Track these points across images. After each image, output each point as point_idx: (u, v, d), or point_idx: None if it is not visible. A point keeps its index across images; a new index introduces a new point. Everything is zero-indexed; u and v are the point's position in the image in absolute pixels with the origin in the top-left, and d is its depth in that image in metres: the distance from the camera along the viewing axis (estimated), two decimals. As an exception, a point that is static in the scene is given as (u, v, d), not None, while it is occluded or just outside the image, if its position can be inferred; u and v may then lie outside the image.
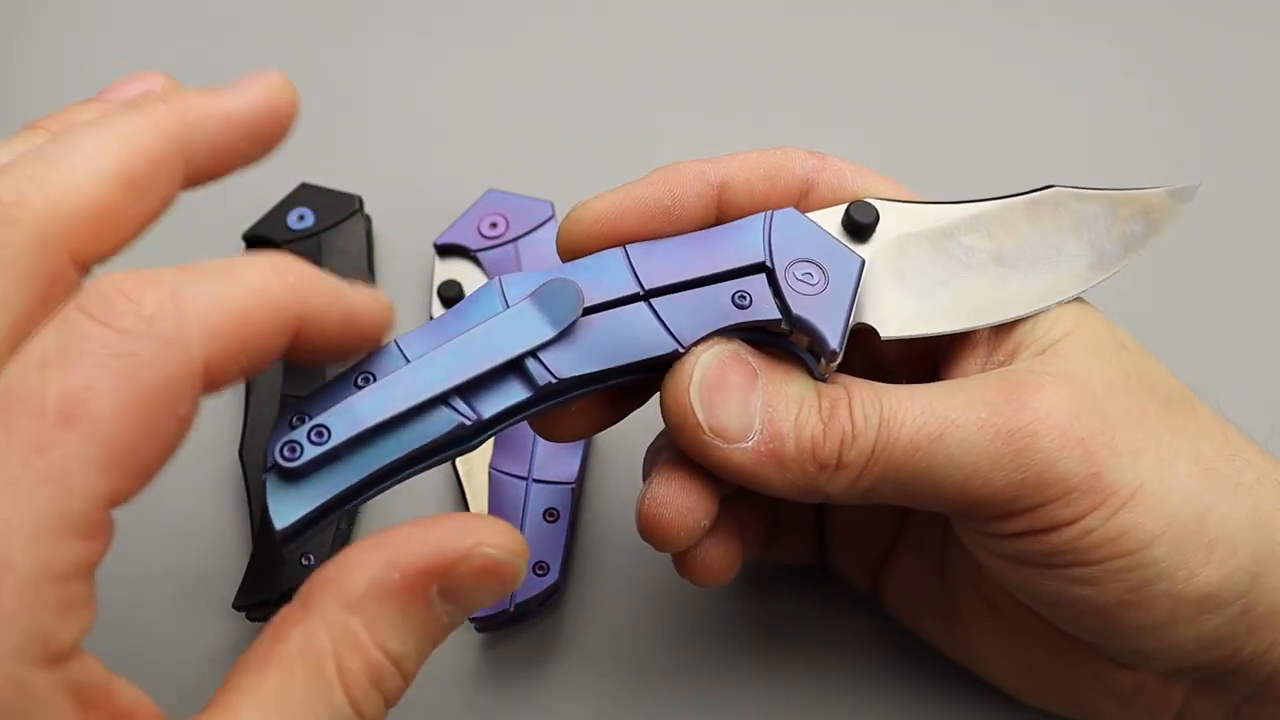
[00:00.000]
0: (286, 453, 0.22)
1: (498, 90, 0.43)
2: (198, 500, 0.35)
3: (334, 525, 0.33)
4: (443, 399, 0.22)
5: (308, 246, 0.37)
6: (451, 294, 0.36)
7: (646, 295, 0.24)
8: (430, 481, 0.35)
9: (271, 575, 0.32)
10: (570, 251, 0.25)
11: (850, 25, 0.44)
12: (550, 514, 0.33)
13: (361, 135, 0.42)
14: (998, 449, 0.23)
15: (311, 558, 0.32)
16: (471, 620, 0.31)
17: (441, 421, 0.22)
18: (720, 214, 0.26)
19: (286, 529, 0.22)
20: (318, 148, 0.42)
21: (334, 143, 0.42)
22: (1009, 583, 0.25)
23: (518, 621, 0.33)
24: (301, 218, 0.37)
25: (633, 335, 0.24)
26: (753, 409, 0.23)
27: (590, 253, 0.25)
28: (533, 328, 0.23)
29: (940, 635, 0.30)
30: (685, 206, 0.25)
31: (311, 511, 0.22)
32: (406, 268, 0.39)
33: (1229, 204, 0.40)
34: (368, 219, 0.39)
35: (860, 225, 0.25)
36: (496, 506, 0.33)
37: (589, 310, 0.24)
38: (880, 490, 0.24)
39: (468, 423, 0.22)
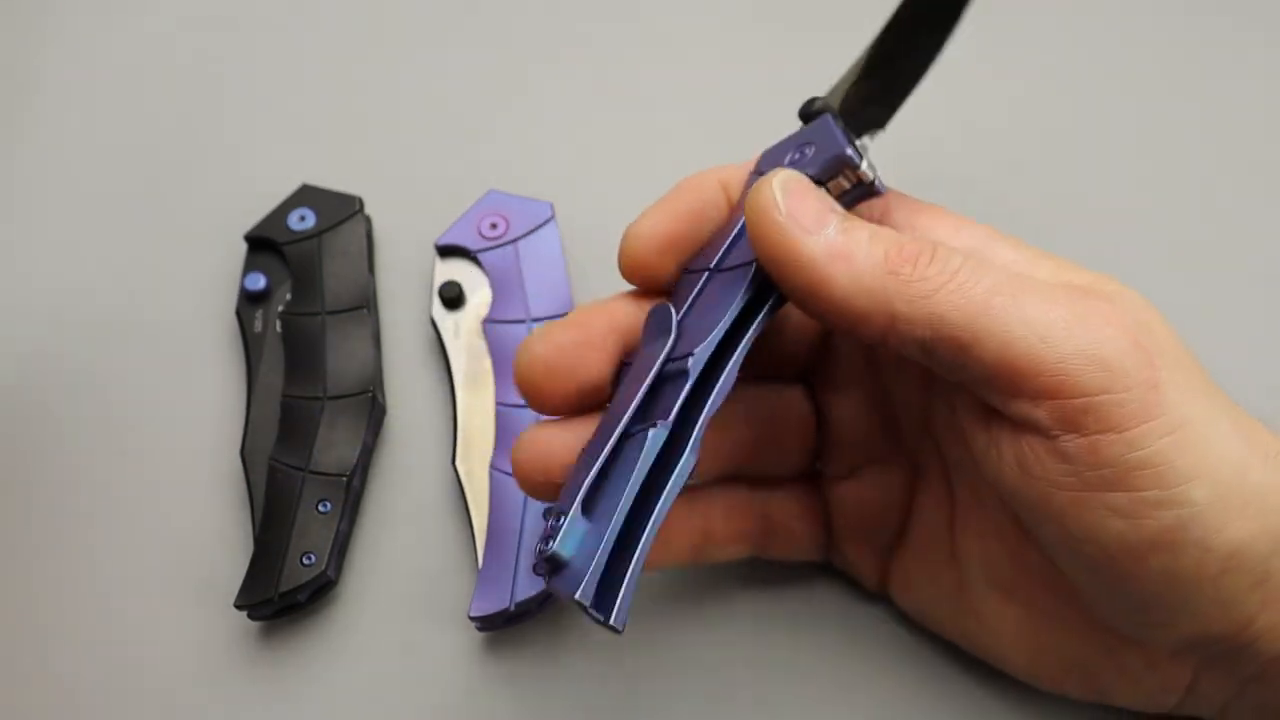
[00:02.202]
0: (541, 544, 0.23)
1: (498, 90, 0.43)
2: (199, 500, 0.35)
3: (335, 525, 0.33)
4: (627, 433, 0.24)
5: (308, 247, 0.37)
6: (452, 294, 0.36)
7: (713, 269, 0.26)
8: (431, 482, 0.35)
9: (273, 575, 0.32)
10: (634, 269, 0.27)
11: (851, 23, 0.44)
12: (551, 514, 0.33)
13: (362, 136, 0.42)
14: (1072, 322, 0.23)
15: (313, 556, 0.33)
16: (472, 620, 0.31)
17: (641, 442, 0.24)
18: (732, 209, 0.28)
19: (619, 621, 0.22)
20: (318, 149, 0.42)
21: (334, 144, 0.42)
22: (1039, 513, 0.25)
23: (517, 621, 0.33)
24: (302, 218, 0.38)
25: (723, 291, 0.25)
26: (829, 217, 0.24)
27: (651, 269, 0.27)
28: (655, 347, 0.25)
29: (952, 625, 0.30)
30: (712, 204, 0.28)
31: (623, 586, 0.22)
32: (407, 268, 0.39)
33: (1226, 198, 0.40)
34: (368, 220, 0.39)
35: (808, 114, 0.28)
36: (497, 506, 0.33)
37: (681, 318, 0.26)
38: (949, 324, 0.23)
39: (659, 426, 0.24)
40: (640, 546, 0.23)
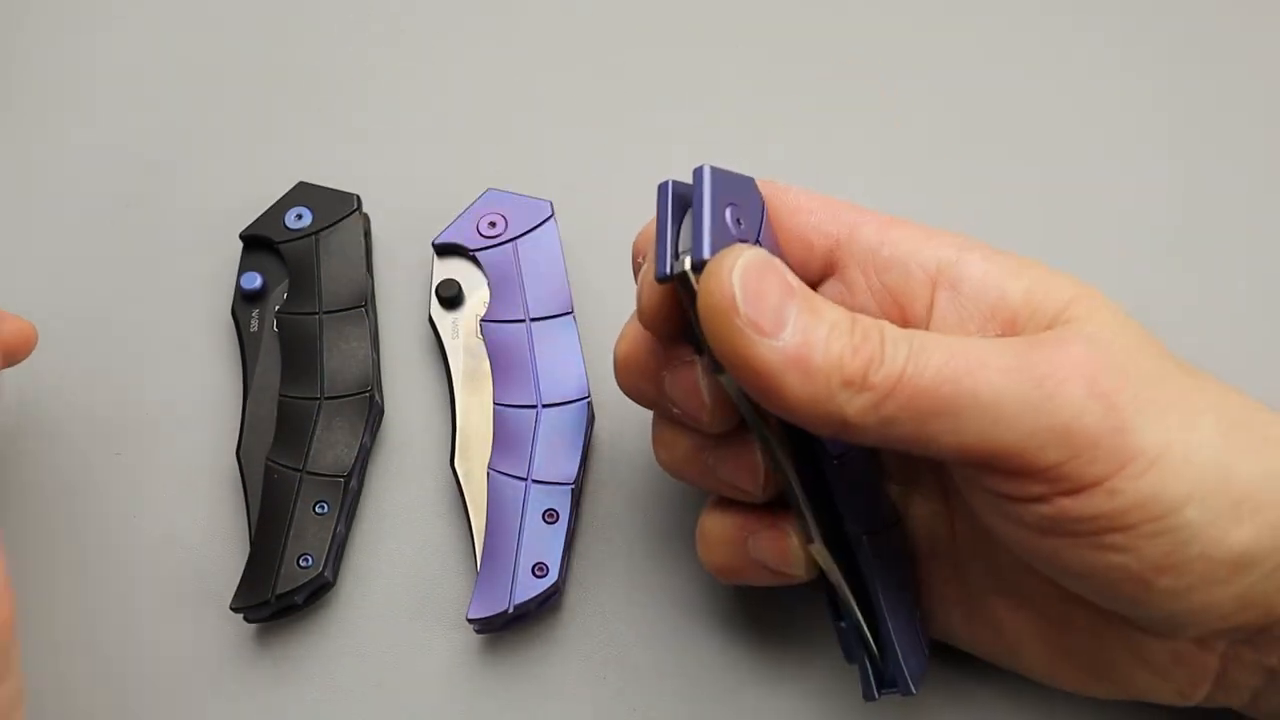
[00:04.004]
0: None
1: (498, 90, 0.43)
2: (194, 501, 0.35)
3: (332, 526, 0.33)
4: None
5: (305, 246, 0.37)
6: (450, 293, 0.36)
7: None
8: (429, 483, 0.35)
9: (269, 577, 0.32)
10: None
11: (854, 28, 0.44)
12: (550, 515, 0.32)
13: (360, 134, 0.42)
14: (1025, 393, 0.23)
15: (310, 558, 0.32)
16: (470, 622, 0.31)
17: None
18: None
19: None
20: (316, 146, 0.42)
21: (332, 141, 0.42)
22: (1034, 556, 0.25)
23: (516, 623, 0.33)
24: (299, 216, 0.37)
25: None
26: (787, 313, 0.23)
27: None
28: None
29: (963, 633, 0.30)
30: None
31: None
32: (405, 267, 0.39)
33: (1228, 205, 0.39)
34: (366, 218, 0.38)
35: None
36: (496, 507, 0.33)
37: None
38: (899, 423, 0.23)
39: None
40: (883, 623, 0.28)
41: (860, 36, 0.44)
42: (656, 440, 0.30)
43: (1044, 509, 0.23)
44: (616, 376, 0.29)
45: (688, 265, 0.24)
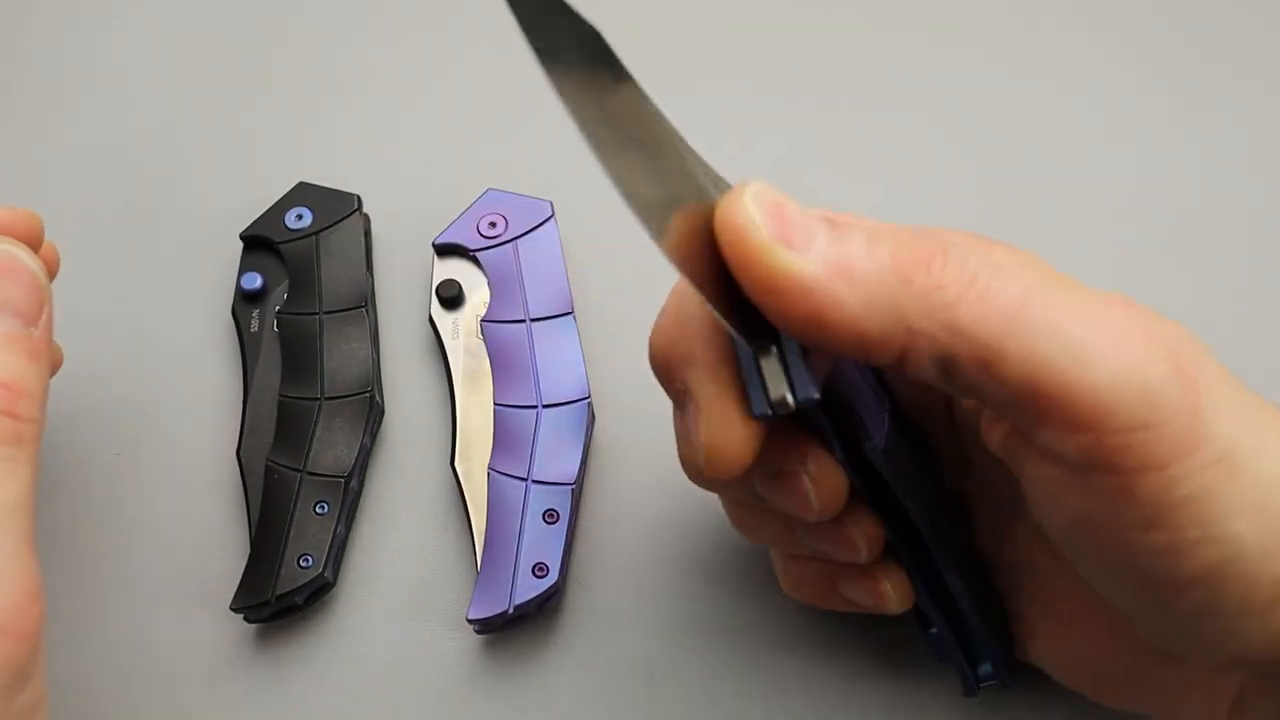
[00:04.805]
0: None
1: (498, 90, 0.43)
2: (195, 502, 0.35)
3: (332, 527, 0.33)
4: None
5: (305, 246, 0.37)
6: (450, 293, 0.36)
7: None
8: (429, 483, 0.35)
9: (269, 577, 0.32)
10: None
11: (854, 27, 0.44)
12: (550, 515, 0.32)
13: (361, 134, 0.42)
14: (1111, 341, 0.20)
15: (310, 558, 0.32)
16: (470, 622, 0.31)
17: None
18: None
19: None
20: (316, 146, 0.42)
21: (333, 142, 0.42)
22: (1068, 542, 0.23)
23: (516, 623, 0.33)
24: (300, 217, 0.37)
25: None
26: (814, 229, 0.21)
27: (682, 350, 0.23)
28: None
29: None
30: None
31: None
32: (405, 267, 0.39)
33: (1228, 205, 0.39)
34: (366, 218, 0.38)
35: None
36: (496, 507, 0.33)
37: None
38: (973, 339, 0.20)
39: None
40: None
41: (861, 36, 0.44)
42: (737, 522, 0.29)
43: (1095, 484, 0.21)
44: (705, 471, 0.23)
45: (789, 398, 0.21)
